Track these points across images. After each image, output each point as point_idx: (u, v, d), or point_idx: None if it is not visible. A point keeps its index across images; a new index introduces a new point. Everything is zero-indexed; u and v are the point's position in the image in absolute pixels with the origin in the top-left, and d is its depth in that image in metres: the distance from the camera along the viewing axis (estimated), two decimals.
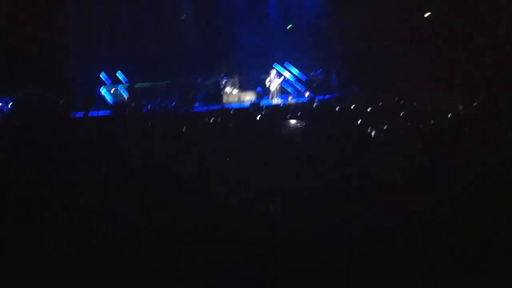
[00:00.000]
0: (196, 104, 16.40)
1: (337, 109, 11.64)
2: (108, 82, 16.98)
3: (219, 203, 4.95)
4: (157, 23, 18.91)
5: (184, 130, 8.48)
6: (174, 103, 15.45)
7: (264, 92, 17.33)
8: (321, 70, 19.39)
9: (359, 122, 8.52)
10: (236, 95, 17.02)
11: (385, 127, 7.70)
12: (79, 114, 13.45)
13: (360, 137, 7.35)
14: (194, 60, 18.60)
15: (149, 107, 14.34)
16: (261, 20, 20.46)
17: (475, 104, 9.03)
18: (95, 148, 7.13)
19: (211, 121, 10.44)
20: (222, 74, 17.08)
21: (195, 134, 7.93)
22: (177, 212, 4.95)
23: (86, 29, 17.38)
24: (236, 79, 17.31)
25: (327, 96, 17.06)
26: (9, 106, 14.51)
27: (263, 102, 15.25)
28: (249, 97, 16.96)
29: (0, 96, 14.78)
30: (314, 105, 13.65)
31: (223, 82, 16.96)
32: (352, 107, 11.43)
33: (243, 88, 17.52)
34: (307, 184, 5.35)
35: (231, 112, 12.48)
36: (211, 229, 4.58)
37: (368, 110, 10.58)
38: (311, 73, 19.29)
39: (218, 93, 16.93)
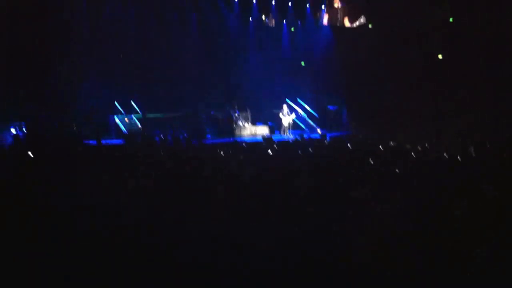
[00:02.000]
0: (208, 136, 16.52)
1: (348, 146, 11.69)
2: (122, 111, 17.16)
3: (223, 233, 4.98)
4: (171, 56, 19.17)
5: (194, 161, 8.54)
6: (186, 134, 15.60)
7: (276, 126, 17.43)
8: (333, 107, 19.58)
9: (371, 161, 8.56)
10: (248, 129, 17.11)
11: (394, 168, 7.75)
12: (93, 142, 13.59)
13: (368, 174, 7.40)
14: (206, 93, 18.79)
15: (161, 137, 14.47)
16: (274, 54, 20.75)
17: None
18: (108, 175, 7.19)
19: (222, 153, 10.53)
20: (235, 108, 17.22)
21: (206, 166, 7.97)
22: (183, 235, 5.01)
23: (101, 58, 17.63)
24: (248, 113, 17.42)
25: (338, 133, 17.17)
26: (23, 131, 14.67)
27: (275, 137, 15.34)
28: (261, 131, 17.05)
29: (13, 121, 14.95)
30: (326, 142, 13.71)
31: (236, 116, 17.08)
32: (361, 145, 11.53)
33: (255, 122, 17.63)
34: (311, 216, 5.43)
35: (243, 145, 12.58)
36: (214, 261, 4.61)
37: (380, 148, 10.63)
38: (324, 109, 19.48)
39: (230, 126, 17.04)
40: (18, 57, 15.89)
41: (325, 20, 21.65)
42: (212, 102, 18.48)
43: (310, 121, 18.82)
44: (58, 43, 16.60)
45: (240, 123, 17.10)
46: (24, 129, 14.84)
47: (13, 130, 14.63)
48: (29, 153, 11.70)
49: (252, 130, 17.18)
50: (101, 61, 17.58)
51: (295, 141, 14.06)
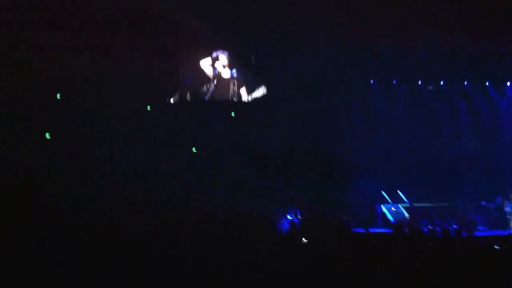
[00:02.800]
0: (481, 228, 15.67)
1: None
2: (389, 200, 17.42)
3: None
4: (438, 146, 18.99)
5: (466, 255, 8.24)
6: (456, 225, 15.05)
7: None
8: None
9: None
10: None
11: None
12: (360, 230, 14.02)
13: None
14: (476, 184, 17.93)
15: (430, 228, 14.22)
16: None
17: None
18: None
19: (497, 247, 9.88)
20: (510, 198, 16.12)
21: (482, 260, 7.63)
22: None
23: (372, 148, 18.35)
24: None
25: None
26: (298, 218, 15.88)
27: None
28: None
29: (290, 208, 16.27)
30: None
31: (510, 206, 15.93)
32: None
33: None
34: None
35: None
36: None
37: None
38: None
39: (502, 217, 15.94)
40: None
41: None
42: (482, 191, 17.55)
43: None
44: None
45: None
46: (298, 215, 16.06)
47: (289, 216, 15.97)
48: (303, 239, 12.64)
49: None
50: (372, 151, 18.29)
51: None
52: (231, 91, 16.05)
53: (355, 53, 17.94)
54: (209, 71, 16.25)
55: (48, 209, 7.28)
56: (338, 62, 17.68)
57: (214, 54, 16.16)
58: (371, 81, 19.09)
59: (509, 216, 15.91)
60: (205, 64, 16.35)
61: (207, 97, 16.14)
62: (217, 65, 16.18)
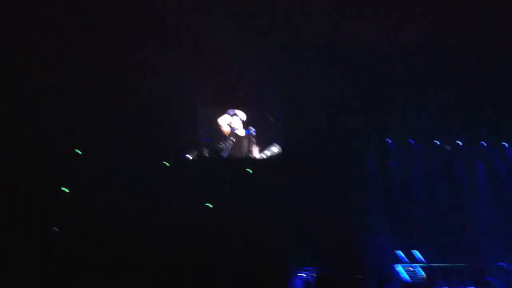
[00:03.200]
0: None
1: None
2: (404, 260, 17.21)
3: None
4: (457, 205, 18.86)
5: None
6: (473, 287, 14.79)
7: None
8: None
9: None
10: None
11: None
12: None
13: None
14: (494, 245, 17.64)
15: None
16: None
17: None
18: None
19: None
20: None
21: None
22: None
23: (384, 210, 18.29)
24: None
25: None
26: (313, 276, 15.76)
27: None
28: None
29: (303, 267, 16.14)
30: None
31: None
32: None
33: None
34: None
35: None
36: None
37: None
38: None
39: None
40: None
41: None
42: (502, 252, 17.24)
43: None
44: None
45: None
46: (314, 274, 15.91)
47: (303, 275, 15.84)
48: None
49: None
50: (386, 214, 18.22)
51: None
52: (244, 149, 16.32)
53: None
54: (226, 129, 16.59)
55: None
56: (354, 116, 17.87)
57: (231, 112, 16.55)
58: (388, 140, 19.20)
59: None
60: (223, 121, 16.72)
61: (225, 154, 16.43)
62: (233, 123, 16.52)
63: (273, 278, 14.21)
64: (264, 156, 16.17)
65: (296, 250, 16.08)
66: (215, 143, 16.70)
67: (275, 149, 16.27)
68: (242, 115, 16.46)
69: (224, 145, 16.59)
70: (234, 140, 16.37)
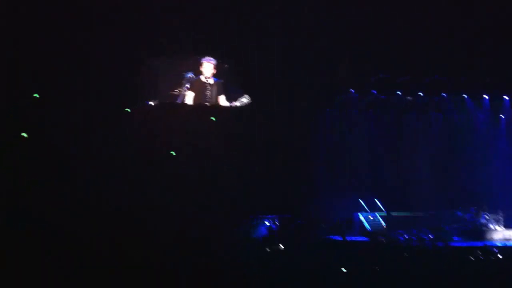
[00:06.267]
0: (455, 238, 15.81)
1: None
2: (366, 208, 17.53)
3: None
4: (414, 155, 19.21)
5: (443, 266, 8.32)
6: (431, 235, 15.17)
7: None
8: None
9: None
10: (500, 233, 15.99)
11: None
12: (337, 238, 14.10)
13: None
14: (452, 194, 18.11)
15: (406, 237, 14.33)
16: None
17: None
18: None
19: (473, 258, 10.03)
20: (484, 208, 16.34)
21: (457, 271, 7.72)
22: None
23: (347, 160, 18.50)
24: (500, 215, 16.34)
25: None
26: (276, 224, 15.88)
27: None
28: None
29: (268, 215, 16.25)
30: None
31: (486, 218, 16.14)
32: None
33: (508, 225, 16.38)
34: None
35: (495, 250, 11.78)
36: None
37: None
38: None
39: (478, 229, 16.13)
40: None
41: None
42: (458, 201, 17.74)
43: None
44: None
45: (491, 225, 16.08)
46: (277, 222, 16.04)
47: (266, 223, 15.95)
48: (280, 245, 12.69)
49: (506, 234, 15.99)
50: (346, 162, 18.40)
51: None
52: (213, 97, 15.98)
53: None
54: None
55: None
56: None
57: (203, 60, 16.11)
58: (351, 90, 19.21)
59: (483, 228, 16.09)
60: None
61: (179, 101, 16.08)
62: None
63: (237, 226, 14.23)
64: (234, 105, 15.89)
65: (261, 199, 16.15)
66: (169, 91, 16.31)
67: (245, 99, 15.99)
68: (212, 61, 16.05)
69: (178, 92, 16.19)
70: (188, 87, 15.98)
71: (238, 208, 15.02)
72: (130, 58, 15.85)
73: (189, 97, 15.88)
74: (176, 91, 16.26)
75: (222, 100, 15.95)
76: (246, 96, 15.97)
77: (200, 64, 15.98)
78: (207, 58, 16.03)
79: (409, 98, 19.67)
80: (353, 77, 18.88)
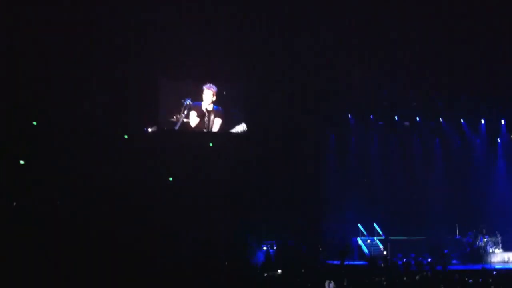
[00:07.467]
0: (454, 262, 15.75)
1: None
2: (364, 233, 17.52)
3: None
4: (413, 180, 19.21)
5: None
6: (430, 259, 15.11)
7: None
8: None
9: None
10: (498, 255, 15.94)
11: None
12: (336, 262, 14.05)
13: None
14: (450, 218, 18.05)
15: (404, 261, 14.27)
16: None
17: None
18: None
19: (469, 281, 9.98)
20: (483, 232, 16.31)
21: None
22: None
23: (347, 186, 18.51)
24: (498, 238, 16.29)
25: None
26: (274, 249, 15.83)
27: None
28: None
29: (266, 240, 16.22)
30: None
31: (484, 241, 16.10)
32: None
33: (506, 248, 16.34)
34: None
35: (494, 273, 11.75)
36: None
37: None
38: None
39: (477, 251, 16.07)
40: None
41: None
42: (457, 225, 17.69)
43: None
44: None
45: (489, 248, 16.05)
46: (274, 247, 16.00)
47: (264, 248, 15.90)
48: (279, 271, 12.66)
49: (504, 257, 15.95)
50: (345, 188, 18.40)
51: None
52: (210, 124, 16.13)
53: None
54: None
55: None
56: (315, 94, 17.87)
57: (204, 87, 16.28)
58: (349, 116, 19.29)
59: (481, 251, 16.04)
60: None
61: (176, 127, 16.20)
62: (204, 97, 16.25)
63: (236, 252, 14.21)
64: (232, 132, 16.04)
65: (258, 225, 16.16)
66: (168, 117, 16.47)
67: (241, 127, 16.13)
68: (212, 88, 16.21)
69: (175, 119, 16.33)
70: (185, 114, 16.11)
71: (236, 233, 15.06)
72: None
73: (188, 123, 16.03)
74: (174, 118, 16.40)
75: (221, 127, 16.08)
76: (243, 124, 16.10)
77: (201, 91, 16.13)
78: (208, 85, 16.19)
79: (406, 123, 19.78)
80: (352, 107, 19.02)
